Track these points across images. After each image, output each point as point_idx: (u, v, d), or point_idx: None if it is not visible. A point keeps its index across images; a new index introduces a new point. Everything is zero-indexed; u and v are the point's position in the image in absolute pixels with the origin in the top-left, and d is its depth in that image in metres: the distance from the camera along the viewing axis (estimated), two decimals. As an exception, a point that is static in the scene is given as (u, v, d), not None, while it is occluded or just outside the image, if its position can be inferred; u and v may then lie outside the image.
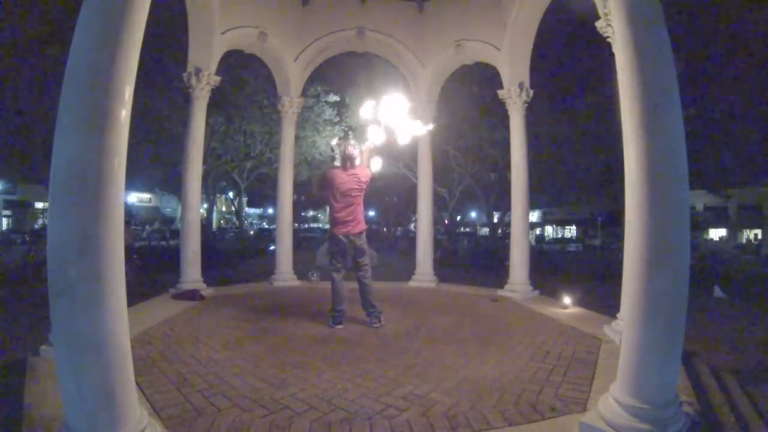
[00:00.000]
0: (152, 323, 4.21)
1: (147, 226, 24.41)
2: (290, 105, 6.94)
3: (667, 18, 2.21)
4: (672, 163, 2.13)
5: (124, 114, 1.91)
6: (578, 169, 14.81)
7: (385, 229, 32.15)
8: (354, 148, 4.45)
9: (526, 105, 6.03)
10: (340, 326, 4.23)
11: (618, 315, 3.84)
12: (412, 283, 6.88)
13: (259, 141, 15.56)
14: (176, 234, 16.97)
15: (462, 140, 14.01)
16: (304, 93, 8.92)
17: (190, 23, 5.72)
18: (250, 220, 39.89)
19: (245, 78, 13.08)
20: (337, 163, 4.52)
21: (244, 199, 25.62)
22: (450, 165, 15.30)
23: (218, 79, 6.01)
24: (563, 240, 33.99)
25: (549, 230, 41.16)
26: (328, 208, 4.47)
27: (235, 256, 13.84)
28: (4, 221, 24.49)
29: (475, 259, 13.80)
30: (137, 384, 2.10)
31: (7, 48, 8.90)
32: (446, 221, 20.63)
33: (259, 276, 7.59)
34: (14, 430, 2.22)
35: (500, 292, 6.01)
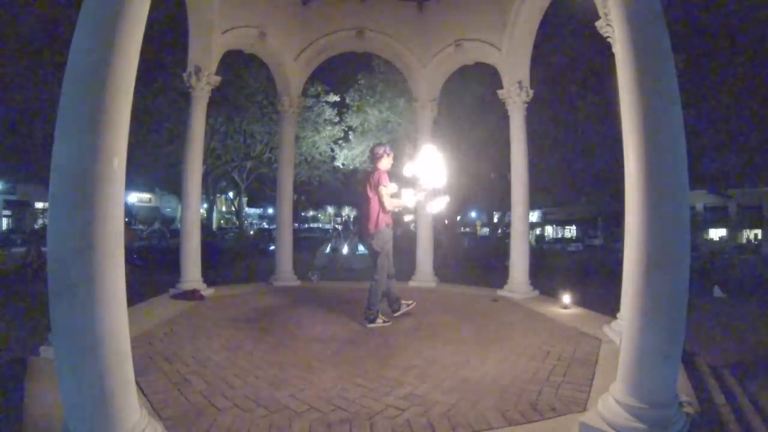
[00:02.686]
0: (152, 323, 4.21)
1: (141, 226, 24.26)
2: (290, 104, 6.94)
3: (667, 17, 2.21)
4: (672, 163, 2.13)
5: (124, 114, 1.91)
6: (578, 169, 14.81)
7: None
8: (379, 149, 4.56)
9: (526, 105, 6.03)
10: (372, 324, 4.26)
11: (618, 315, 3.83)
12: (412, 283, 6.88)
13: (259, 141, 15.57)
14: (176, 233, 16.96)
15: (462, 140, 14.01)
16: (304, 93, 8.92)
17: (190, 23, 5.72)
18: (250, 220, 39.88)
19: (245, 78, 13.10)
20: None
21: (244, 199, 25.63)
22: (450, 165, 15.30)
23: (218, 79, 6.01)
24: (563, 240, 33.98)
25: (549, 230, 41.15)
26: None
27: (235, 256, 13.83)
28: (4, 221, 24.47)
29: (475, 259, 13.78)
30: (137, 384, 2.10)
31: (8, 48, 8.90)
32: (446, 221, 20.62)
33: (259, 276, 7.59)
34: (14, 430, 2.22)
35: (500, 292, 6.01)
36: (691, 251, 2.27)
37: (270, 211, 39.48)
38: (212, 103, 6.70)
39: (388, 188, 4.40)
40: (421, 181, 4.29)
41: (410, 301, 4.63)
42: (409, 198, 4.40)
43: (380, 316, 4.38)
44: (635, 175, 2.18)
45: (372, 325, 4.28)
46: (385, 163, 4.54)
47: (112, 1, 1.90)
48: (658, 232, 2.11)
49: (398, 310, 4.62)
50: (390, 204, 4.38)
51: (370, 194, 4.40)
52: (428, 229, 7.22)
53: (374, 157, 4.58)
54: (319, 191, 21.12)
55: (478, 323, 4.49)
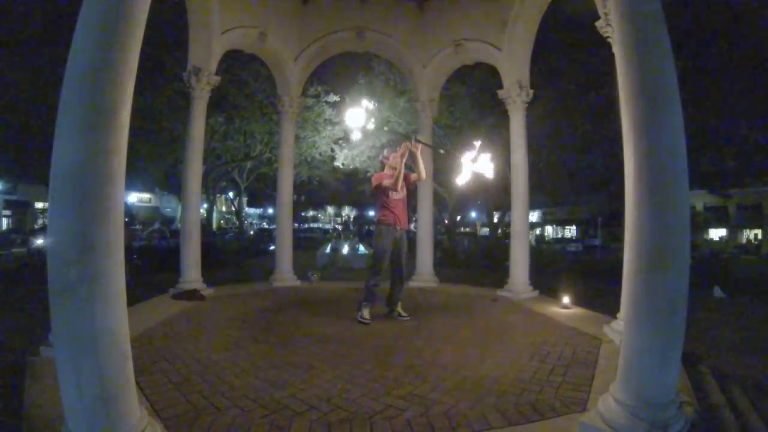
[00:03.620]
0: (152, 323, 4.21)
1: (138, 226, 24.18)
2: (290, 105, 6.94)
3: (666, 17, 2.21)
4: (672, 163, 2.13)
5: (124, 114, 1.91)
6: (578, 169, 14.81)
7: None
8: (381, 157, 4.83)
9: (526, 105, 6.03)
10: (358, 319, 4.43)
11: (618, 315, 3.84)
12: (412, 283, 6.87)
13: (259, 141, 15.56)
14: (176, 233, 16.97)
15: (462, 140, 14.00)
16: (304, 93, 8.90)
17: (190, 23, 5.72)
18: (250, 220, 39.88)
19: (245, 78, 13.09)
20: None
21: (244, 199, 25.63)
22: (450, 165, 15.29)
23: (218, 79, 6.02)
24: (563, 240, 33.97)
25: (549, 230, 41.16)
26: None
27: (235, 256, 13.83)
28: (4, 221, 24.47)
29: (475, 259, 13.78)
30: (137, 384, 2.10)
31: (8, 47, 8.90)
32: (446, 221, 20.62)
33: (259, 276, 7.59)
34: (14, 430, 2.22)
35: (500, 292, 6.01)
36: (691, 251, 2.27)
37: (270, 211, 39.52)
38: (212, 103, 6.70)
39: (387, 179, 4.55)
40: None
41: (407, 315, 4.64)
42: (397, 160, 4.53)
43: (366, 314, 4.45)
44: (635, 175, 2.18)
45: (358, 319, 4.40)
46: (387, 168, 4.68)
47: (113, 1, 1.91)
48: (658, 231, 2.10)
49: (390, 313, 4.67)
50: (391, 183, 4.50)
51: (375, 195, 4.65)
52: (428, 229, 7.23)
53: (382, 166, 4.82)
54: (319, 191, 21.11)
55: (478, 323, 4.49)
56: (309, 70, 7.20)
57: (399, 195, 4.58)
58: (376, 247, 4.59)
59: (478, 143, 4.05)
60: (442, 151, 4.53)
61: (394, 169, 4.52)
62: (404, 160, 4.51)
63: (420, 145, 4.51)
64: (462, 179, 4.13)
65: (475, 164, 4.00)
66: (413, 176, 4.69)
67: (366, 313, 4.44)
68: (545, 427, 2.27)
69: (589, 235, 30.05)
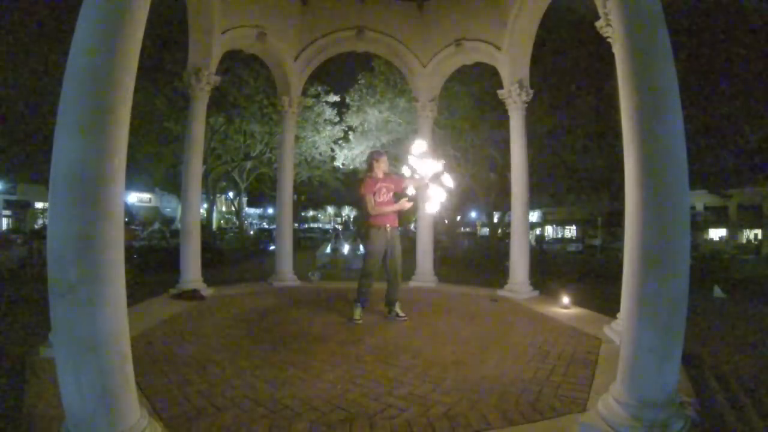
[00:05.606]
0: (152, 323, 4.22)
1: (134, 226, 24.05)
2: (290, 105, 6.94)
3: (667, 17, 2.21)
4: (672, 163, 2.13)
5: (124, 114, 1.92)
6: (578, 169, 14.82)
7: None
8: (370, 158, 4.78)
9: (526, 105, 6.03)
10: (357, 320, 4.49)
11: (618, 315, 3.83)
12: (412, 283, 6.88)
13: (259, 141, 15.58)
14: (176, 233, 16.96)
15: (462, 140, 14.02)
16: (304, 93, 8.92)
17: (190, 23, 5.72)
18: (250, 220, 39.86)
19: (245, 78, 13.11)
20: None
21: (244, 199, 25.63)
22: (450, 165, 15.29)
23: (218, 79, 6.01)
24: (563, 240, 33.97)
25: (549, 230, 41.13)
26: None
27: (235, 256, 13.85)
28: (4, 221, 24.44)
29: (475, 259, 13.79)
30: (137, 384, 2.10)
31: (7, 47, 8.90)
32: (446, 221, 20.64)
33: (259, 276, 7.58)
34: (14, 430, 2.22)
35: (500, 292, 6.01)
36: (691, 251, 2.27)
37: (270, 211, 39.51)
38: (212, 103, 6.71)
39: (373, 195, 4.50)
40: (417, 173, 4.37)
41: (404, 315, 4.61)
42: (409, 189, 4.49)
43: (357, 313, 4.48)
44: (635, 175, 2.18)
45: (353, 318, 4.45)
46: (376, 170, 4.61)
47: (113, 2, 1.91)
48: (658, 231, 2.10)
49: (388, 314, 4.66)
50: (374, 210, 4.48)
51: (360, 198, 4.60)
52: (428, 229, 7.22)
53: (368, 166, 4.74)
54: (319, 191, 21.12)
55: (478, 323, 4.49)
56: (309, 70, 7.19)
57: (386, 197, 4.57)
58: (367, 250, 4.62)
59: (441, 163, 4.25)
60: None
61: (387, 174, 4.62)
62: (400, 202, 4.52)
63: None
64: (432, 207, 4.33)
65: (438, 181, 4.16)
66: (406, 181, 4.51)
67: (356, 313, 4.48)
68: (545, 427, 2.27)
69: (589, 235, 30.04)
